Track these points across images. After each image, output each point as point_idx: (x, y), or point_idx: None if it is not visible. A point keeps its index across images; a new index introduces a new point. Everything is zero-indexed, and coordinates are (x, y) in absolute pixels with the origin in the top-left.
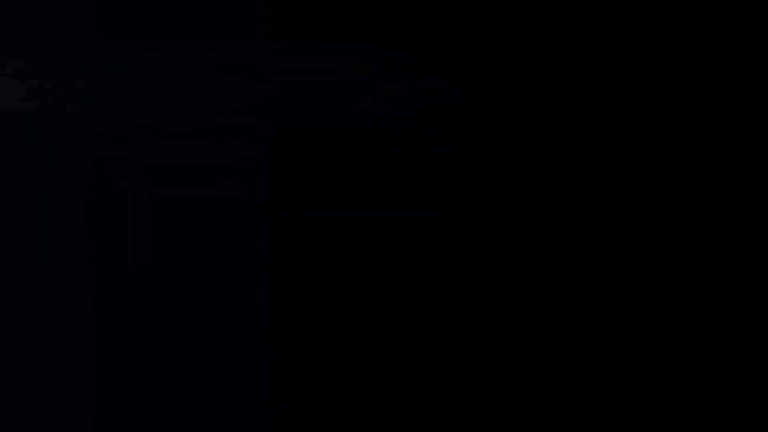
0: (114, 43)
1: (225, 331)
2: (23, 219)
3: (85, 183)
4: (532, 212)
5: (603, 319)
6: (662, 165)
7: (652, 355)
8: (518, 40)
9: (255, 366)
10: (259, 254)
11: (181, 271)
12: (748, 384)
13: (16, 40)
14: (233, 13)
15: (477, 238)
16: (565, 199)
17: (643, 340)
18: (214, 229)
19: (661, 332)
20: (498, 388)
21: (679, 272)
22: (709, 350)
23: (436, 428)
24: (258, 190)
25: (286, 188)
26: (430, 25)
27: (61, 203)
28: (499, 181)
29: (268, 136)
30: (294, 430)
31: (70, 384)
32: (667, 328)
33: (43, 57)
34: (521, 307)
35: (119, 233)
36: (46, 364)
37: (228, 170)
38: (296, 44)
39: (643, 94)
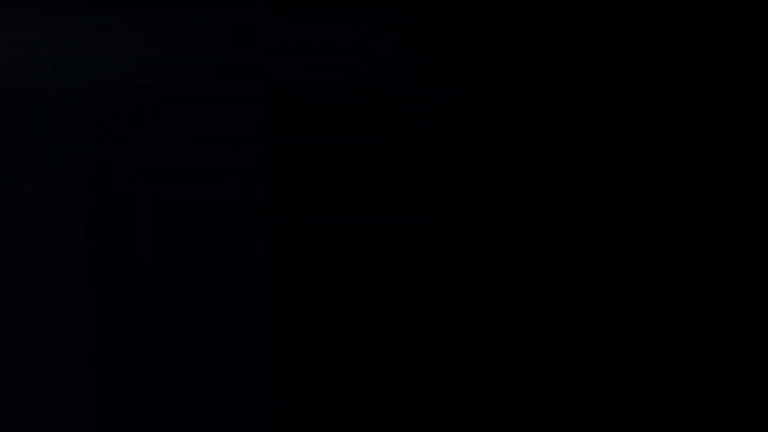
0: (113, 15)
1: (225, 331)
2: (24, 191)
3: (85, 161)
4: (532, 212)
5: (603, 319)
6: (662, 165)
7: (652, 355)
8: (518, 40)
9: (255, 366)
10: (259, 254)
11: (181, 271)
12: (748, 384)
13: (16, 14)
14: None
15: (477, 238)
16: (565, 199)
17: (643, 339)
18: (214, 229)
19: (661, 332)
20: (498, 387)
21: (678, 271)
22: (709, 350)
23: (436, 428)
24: (258, 190)
25: (286, 188)
26: (431, 24)
27: (61, 182)
28: (499, 181)
29: (267, 135)
30: (294, 430)
31: (70, 384)
32: (667, 328)
33: (43, 29)
34: (521, 306)
35: (118, 228)
36: (46, 364)
37: (228, 169)
38: (296, 43)
39: (642, 94)
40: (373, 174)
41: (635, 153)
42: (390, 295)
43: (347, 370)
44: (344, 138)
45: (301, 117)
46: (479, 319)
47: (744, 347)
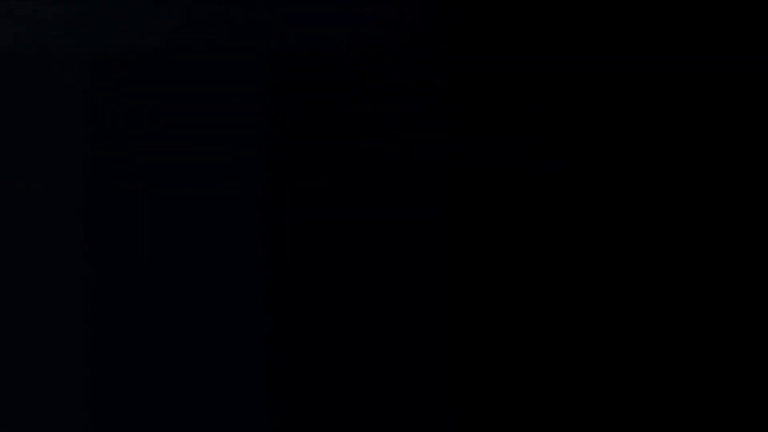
0: None
1: (225, 331)
2: (22, 159)
3: (85, 124)
4: (532, 212)
5: (602, 318)
6: (661, 164)
7: (651, 355)
8: (518, 40)
9: (255, 366)
10: (259, 254)
11: (181, 271)
12: (747, 384)
13: None
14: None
15: (477, 238)
16: (565, 199)
17: (642, 339)
18: (214, 229)
19: (660, 333)
20: (498, 388)
21: (677, 271)
22: (708, 350)
23: (436, 428)
24: (258, 190)
25: (286, 188)
26: (431, 24)
27: (60, 146)
28: (499, 181)
29: (268, 135)
30: (294, 430)
31: (70, 384)
32: (666, 329)
33: None
34: (521, 306)
35: (117, 225)
36: (46, 364)
37: (228, 169)
38: (296, 43)
39: (642, 94)
40: (373, 174)
41: (635, 153)
42: (390, 294)
43: (347, 370)
44: (344, 138)
45: (301, 117)
46: (479, 318)
47: (743, 347)
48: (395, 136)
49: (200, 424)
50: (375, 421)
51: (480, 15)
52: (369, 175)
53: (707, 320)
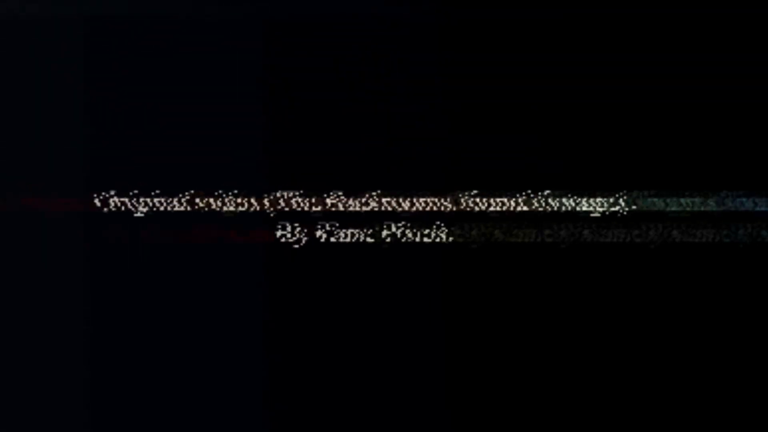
0: None
1: (225, 331)
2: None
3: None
4: (532, 212)
5: (602, 319)
6: (661, 164)
7: (651, 357)
8: (518, 41)
9: (255, 366)
10: (259, 254)
11: (181, 272)
12: (749, 390)
13: None
14: None
15: (476, 238)
16: (565, 199)
17: (642, 343)
18: (211, 223)
19: (659, 328)
20: (498, 389)
21: (678, 273)
22: (709, 361)
23: (436, 428)
24: (258, 191)
25: (286, 188)
26: (431, 24)
27: (56, 112)
28: (499, 182)
29: (268, 135)
30: (294, 430)
31: (70, 386)
32: (666, 323)
33: None
34: (521, 306)
35: (116, 220)
36: (46, 365)
37: (228, 169)
38: (297, 42)
39: (642, 94)
40: (373, 174)
41: (634, 153)
42: (390, 295)
43: (347, 371)
44: (344, 137)
45: (302, 117)
46: (479, 318)
47: (744, 351)
48: (395, 135)
49: (200, 424)
50: (375, 421)
51: (480, 15)
52: (369, 175)
53: (707, 322)
